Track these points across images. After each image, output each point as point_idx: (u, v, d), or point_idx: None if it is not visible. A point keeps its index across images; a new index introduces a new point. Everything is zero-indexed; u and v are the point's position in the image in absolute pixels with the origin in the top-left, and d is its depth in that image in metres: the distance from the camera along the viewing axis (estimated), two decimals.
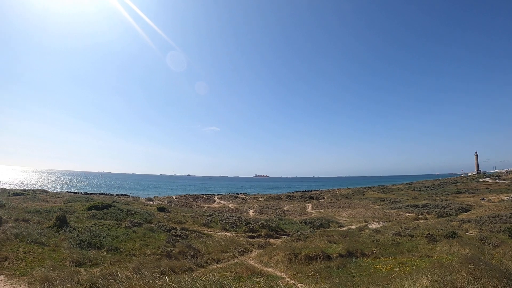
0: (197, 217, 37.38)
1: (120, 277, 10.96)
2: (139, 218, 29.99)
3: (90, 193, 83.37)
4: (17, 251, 16.30)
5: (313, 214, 53.50)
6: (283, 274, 16.54)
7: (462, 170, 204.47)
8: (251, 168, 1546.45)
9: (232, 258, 21.34)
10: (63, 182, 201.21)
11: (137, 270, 14.29)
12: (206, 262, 19.51)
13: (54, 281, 11.29)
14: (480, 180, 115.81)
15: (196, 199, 77.72)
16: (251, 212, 56.32)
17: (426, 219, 40.10)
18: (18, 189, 53.92)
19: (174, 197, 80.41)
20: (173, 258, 19.61)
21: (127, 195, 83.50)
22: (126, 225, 25.63)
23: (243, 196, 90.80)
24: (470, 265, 8.96)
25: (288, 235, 31.35)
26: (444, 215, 42.95)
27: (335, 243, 23.77)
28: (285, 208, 62.19)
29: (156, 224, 28.64)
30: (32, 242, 18.15)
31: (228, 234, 30.17)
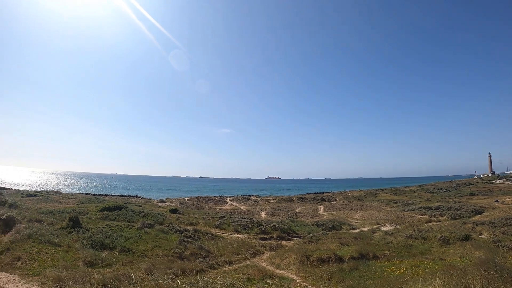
0: (209, 219, 37.37)
1: (133, 278, 10.98)
2: (151, 220, 30.07)
3: (103, 195, 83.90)
4: (30, 251, 16.42)
5: (325, 216, 53.20)
6: (295, 277, 16.39)
7: (475, 172, 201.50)
8: (263, 170, 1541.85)
9: (244, 260, 21.25)
10: (75, 183, 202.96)
11: (149, 271, 14.27)
12: (218, 264, 19.46)
13: (67, 281, 11.32)
14: (494, 181, 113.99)
15: (208, 201, 77.75)
16: (263, 214, 56.16)
17: (439, 221, 39.61)
18: (31, 191, 54.34)
19: (186, 198, 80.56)
20: (185, 259, 19.58)
21: (139, 197, 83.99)
22: (139, 226, 25.71)
23: (255, 198, 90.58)
24: (484, 268, 8.78)
25: (300, 237, 31.21)
26: (457, 217, 42.42)
27: (347, 245, 23.56)
28: (297, 210, 61.97)
29: (168, 225, 28.69)
30: (45, 242, 18.27)
31: (240, 236, 30.12)
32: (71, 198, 47.45)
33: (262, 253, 23.69)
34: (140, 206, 43.68)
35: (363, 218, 49.24)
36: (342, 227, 38.42)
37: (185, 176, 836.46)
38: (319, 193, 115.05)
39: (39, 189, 74.66)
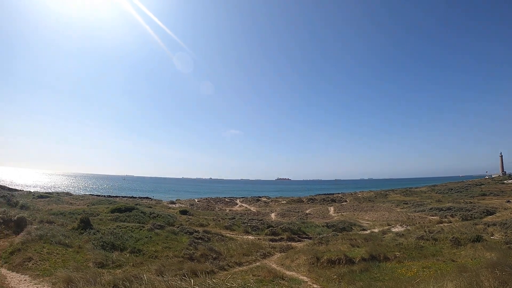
0: (219, 220, 37.38)
1: (145, 280, 10.96)
2: (162, 221, 30.14)
3: (113, 196, 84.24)
4: (41, 252, 16.49)
5: (335, 217, 52.95)
6: (305, 278, 16.30)
7: (486, 172, 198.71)
8: (273, 171, 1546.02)
9: (254, 261, 21.18)
10: (86, 185, 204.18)
11: (159, 272, 14.27)
12: (228, 265, 19.41)
13: (77, 282, 11.33)
14: (505, 182, 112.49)
15: (218, 202, 77.75)
16: (273, 215, 56.05)
17: (450, 222, 39.22)
18: (42, 192, 54.89)
19: (196, 200, 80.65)
20: (195, 260, 19.55)
21: (150, 198, 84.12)
22: (149, 227, 25.76)
23: (265, 199, 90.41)
24: (496, 270, 8.65)
25: (310, 238, 31.08)
26: (468, 218, 41.92)
27: (358, 246, 23.41)
28: (307, 211, 61.77)
29: (179, 226, 28.73)
30: (56, 243, 18.34)
31: (250, 237, 30.07)
32: (81, 200, 47.75)
33: (272, 255, 23.61)
34: (151, 207, 43.88)
35: (374, 219, 48.91)
36: (353, 228, 38.20)
37: (195, 178, 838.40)
38: (329, 194, 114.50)
39: (50, 191, 75.21)
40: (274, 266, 19.40)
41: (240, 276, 14.66)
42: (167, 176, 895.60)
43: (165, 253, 20.92)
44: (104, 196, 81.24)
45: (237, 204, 78.45)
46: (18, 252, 16.13)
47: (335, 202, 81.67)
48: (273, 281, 14.32)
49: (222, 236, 28.34)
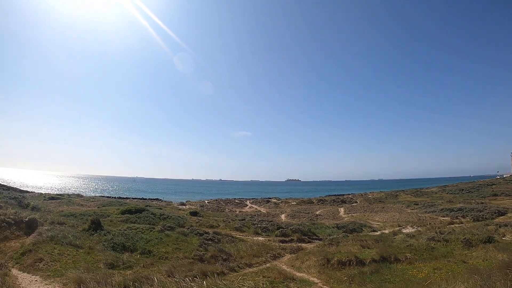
0: (229, 222, 37.33)
1: (156, 281, 10.96)
2: (172, 222, 30.16)
3: (124, 198, 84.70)
4: (52, 253, 16.57)
5: (345, 219, 52.71)
6: (315, 279, 16.18)
7: (497, 172, 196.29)
8: (283, 172, 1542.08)
9: (264, 262, 21.11)
10: (97, 186, 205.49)
11: (170, 273, 14.26)
12: (238, 267, 19.34)
13: (88, 283, 11.37)
14: None
15: (228, 204, 77.73)
16: (283, 216, 55.88)
17: (462, 223, 38.79)
18: (53, 194, 55.10)
19: (206, 201, 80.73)
20: (206, 262, 19.52)
21: (160, 200, 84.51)
22: (159, 229, 25.80)
23: (275, 200, 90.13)
24: (508, 271, 8.53)
25: (320, 239, 30.90)
26: (479, 219, 41.42)
27: (368, 248, 23.19)
28: (317, 213, 61.51)
29: (189, 228, 28.74)
30: (66, 244, 18.43)
31: (260, 238, 29.98)
32: (92, 201, 47.95)
33: (282, 256, 23.51)
34: (161, 209, 43.94)
35: (384, 220, 48.58)
36: (363, 229, 37.96)
37: (205, 179, 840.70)
38: (339, 195, 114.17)
39: (61, 192, 75.78)
40: (284, 267, 19.30)
41: (250, 277, 14.58)
42: (177, 178, 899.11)
43: (175, 254, 20.94)
44: (115, 197, 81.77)
45: (247, 205, 78.43)
46: (29, 253, 16.24)
47: (345, 203, 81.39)
48: (284, 282, 14.22)
49: (232, 237, 28.30)
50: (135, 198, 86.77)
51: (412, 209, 62.18)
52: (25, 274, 13.91)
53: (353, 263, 18.49)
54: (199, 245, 23.04)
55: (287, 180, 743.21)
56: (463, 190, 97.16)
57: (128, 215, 30.87)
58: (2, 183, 55.43)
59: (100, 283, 11.40)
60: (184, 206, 59.99)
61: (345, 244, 25.00)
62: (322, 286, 14.80)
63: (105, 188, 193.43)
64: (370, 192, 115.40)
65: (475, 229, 28.47)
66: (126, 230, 24.07)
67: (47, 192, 61.53)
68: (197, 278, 12.20)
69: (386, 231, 35.31)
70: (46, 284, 12.75)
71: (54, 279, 13.27)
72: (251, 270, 18.91)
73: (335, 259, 19.12)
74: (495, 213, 44.60)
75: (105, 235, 21.56)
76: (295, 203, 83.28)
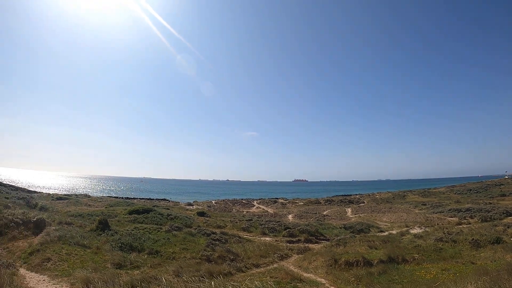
0: (236, 222, 37.32)
1: (163, 281, 10.94)
2: (179, 223, 30.19)
3: (131, 198, 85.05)
4: (60, 253, 16.65)
5: (353, 219, 52.52)
6: (323, 280, 16.10)
7: (506, 172, 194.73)
8: (290, 173, 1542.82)
9: (272, 263, 21.04)
10: (104, 187, 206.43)
11: (177, 274, 14.25)
12: (246, 267, 19.29)
13: (96, 283, 11.40)
14: None
15: (235, 204, 77.75)
16: (290, 216, 55.79)
17: (469, 223, 38.45)
18: (61, 194, 55.41)
19: (213, 201, 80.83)
20: (213, 262, 19.50)
21: (167, 200, 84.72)
22: (167, 229, 25.81)
23: (282, 200, 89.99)
24: None
25: (327, 240, 30.79)
26: (488, 219, 41.05)
27: (376, 248, 23.06)
28: (324, 213, 61.36)
29: (196, 228, 28.74)
30: (74, 244, 18.50)
31: (268, 239, 29.91)
32: (100, 201, 48.15)
33: (289, 256, 23.42)
34: (168, 209, 44.04)
35: (392, 221, 48.35)
36: (370, 230, 37.79)
37: (212, 180, 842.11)
38: (346, 195, 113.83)
39: (69, 193, 76.12)
40: (291, 268, 19.25)
41: (257, 278, 14.53)
42: (184, 178, 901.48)
43: (183, 254, 20.92)
44: (122, 198, 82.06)
45: (254, 205, 78.41)
46: (37, 252, 16.33)
47: (353, 203, 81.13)
48: (291, 283, 14.19)
49: (240, 237, 28.24)
50: (143, 199, 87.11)
51: (420, 210, 61.83)
52: (33, 273, 13.99)
53: (360, 264, 18.39)
54: (206, 246, 23.01)
55: (294, 181, 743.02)
56: (471, 190, 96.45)
57: (135, 215, 30.94)
58: (10, 184, 55.82)
59: (107, 283, 11.41)
60: (191, 207, 60.13)
61: (352, 245, 24.89)
62: (329, 286, 14.75)
63: (112, 188, 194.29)
64: (378, 193, 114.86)
65: (483, 229, 28.22)
66: (133, 230, 24.11)
67: (55, 193, 61.98)
68: (204, 278, 12.18)
69: (394, 232, 35.14)
70: (54, 284, 12.80)
71: (61, 279, 13.32)
72: (258, 270, 18.85)
73: (343, 259, 19.03)
74: (504, 213, 44.15)
75: (112, 235, 21.62)
76: (302, 203, 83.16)
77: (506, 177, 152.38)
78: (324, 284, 15.23)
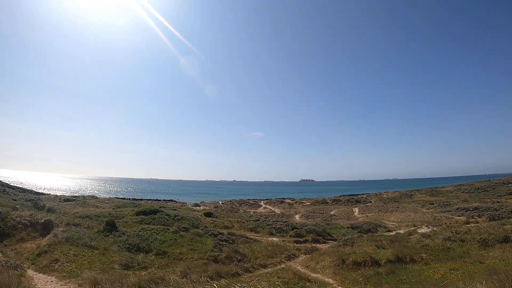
0: (243, 222, 37.30)
1: (171, 282, 10.93)
2: (186, 223, 30.20)
3: (138, 199, 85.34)
4: (68, 254, 16.71)
5: (360, 219, 52.34)
6: (330, 280, 16.01)
7: None
8: (297, 173, 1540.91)
9: (279, 263, 20.98)
10: (111, 188, 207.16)
11: (184, 274, 14.24)
12: (253, 267, 19.24)
13: (103, 284, 11.42)
14: None
15: (242, 204, 77.80)
16: (297, 217, 55.71)
17: (477, 222, 38.12)
18: (68, 195, 55.74)
19: (220, 202, 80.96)
20: (220, 262, 19.48)
21: (174, 201, 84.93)
22: (174, 230, 25.82)
23: (289, 200, 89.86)
24: None
25: (335, 240, 30.69)
26: (496, 218, 40.63)
27: (383, 248, 22.92)
28: (331, 213, 61.23)
29: (203, 229, 28.73)
30: (82, 245, 18.58)
31: (275, 239, 29.85)
32: (107, 203, 48.33)
33: (297, 256, 23.35)
34: (175, 210, 44.13)
35: (399, 220, 48.10)
36: (378, 229, 37.61)
37: (219, 180, 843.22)
38: (353, 195, 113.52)
39: (76, 194, 76.44)
40: (299, 268, 19.17)
41: (265, 278, 14.48)
42: (191, 179, 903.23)
43: (190, 255, 20.93)
44: (129, 199, 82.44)
45: (261, 206, 78.39)
46: (45, 254, 16.41)
47: (360, 203, 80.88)
48: (299, 283, 14.10)
49: (247, 238, 28.21)
50: (150, 200, 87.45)
51: (427, 209, 61.44)
52: (40, 274, 14.06)
53: (368, 264, 18.29)
54: (213, 246, 23.00)
55: (301, 181, 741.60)
56: (478, 189, 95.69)
57: (142, 216, 30.99)
58: (18, 186, 56.18)
59: (115, 284, 11.43)
60: (198, 207, 60.28)
61: (360, 245, 24.76)
62: (337, 287, 14.66)
63: (119, 189, 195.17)
64: (385, 192, 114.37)
65: (491, 228, 27.97)
66: (140, 231, 24.15)
67: (62, 194, 62.31)
68: (212, 279, 12.16)
69: (401, 231, 34.96)
70: (62, 285, 12.85)
71: (69, 280, 13.36)
72: (265, 271, 18.81)
73: (350, 259, 18.95)
74: None
75: (120, 236, 21.68)
76: (309, 203, 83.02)
77: None
78: (332, 284, 15.15)
